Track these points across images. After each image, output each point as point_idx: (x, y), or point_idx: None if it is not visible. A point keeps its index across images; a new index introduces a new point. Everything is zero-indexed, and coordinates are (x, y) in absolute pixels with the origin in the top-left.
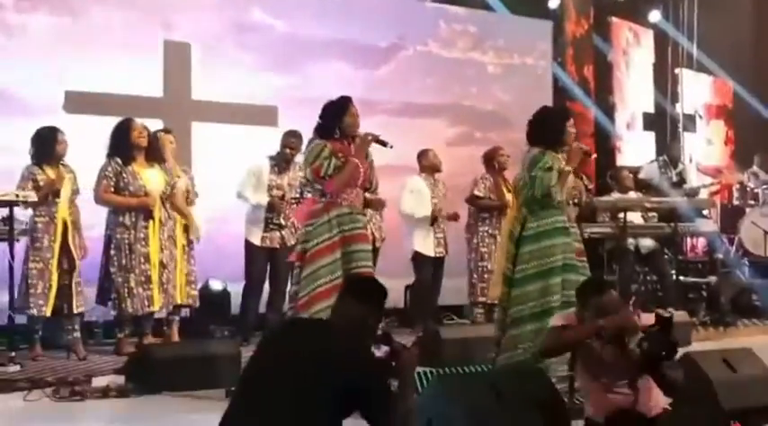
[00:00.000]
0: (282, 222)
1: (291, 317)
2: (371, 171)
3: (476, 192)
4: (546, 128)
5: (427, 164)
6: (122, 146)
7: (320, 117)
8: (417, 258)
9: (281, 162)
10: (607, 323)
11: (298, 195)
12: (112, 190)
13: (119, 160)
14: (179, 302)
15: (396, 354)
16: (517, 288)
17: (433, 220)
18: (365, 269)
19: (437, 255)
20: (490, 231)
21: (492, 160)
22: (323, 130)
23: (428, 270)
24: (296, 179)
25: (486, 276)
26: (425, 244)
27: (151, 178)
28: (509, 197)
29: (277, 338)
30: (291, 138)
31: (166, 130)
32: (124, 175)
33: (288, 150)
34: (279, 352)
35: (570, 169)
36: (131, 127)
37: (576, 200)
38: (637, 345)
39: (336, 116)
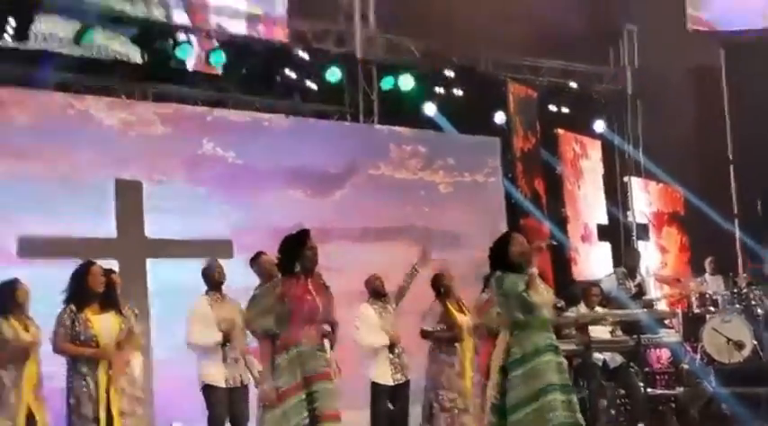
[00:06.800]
0: (238, 356)
1: None
2: (330, 303)
3: (423, 327)
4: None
5: (369, 290)
6: (77, 292)
7: (279, 252)
8: (373, 387)
9: (216, 294)
10: None
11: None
12: (68, 339)
13: (73, 307)
14: None
15: None
16: None
17: (391, 346)
18: (330, 409)
19: (396, 383)
20: (445, 358)
21: (438, 287)
22: (283, 266)
23: (383, 399)
24: (234, 308)
25: (446, 405)
26: (381, 372)
27: (104, 324)
28: (464, 319)
29: None
30: (218, 267)
31: (111, 271)
32: (77, 324)
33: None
34: None
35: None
36: (88, 271)
37: None
38: None
39: (295, 251)
